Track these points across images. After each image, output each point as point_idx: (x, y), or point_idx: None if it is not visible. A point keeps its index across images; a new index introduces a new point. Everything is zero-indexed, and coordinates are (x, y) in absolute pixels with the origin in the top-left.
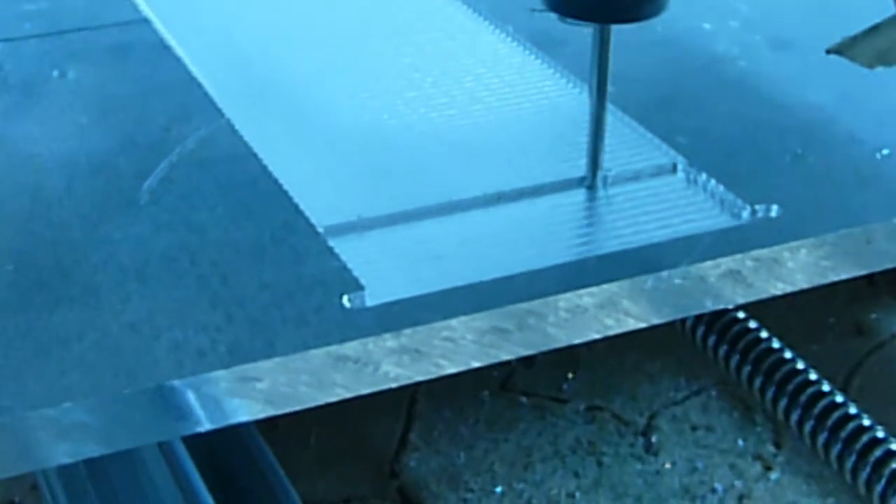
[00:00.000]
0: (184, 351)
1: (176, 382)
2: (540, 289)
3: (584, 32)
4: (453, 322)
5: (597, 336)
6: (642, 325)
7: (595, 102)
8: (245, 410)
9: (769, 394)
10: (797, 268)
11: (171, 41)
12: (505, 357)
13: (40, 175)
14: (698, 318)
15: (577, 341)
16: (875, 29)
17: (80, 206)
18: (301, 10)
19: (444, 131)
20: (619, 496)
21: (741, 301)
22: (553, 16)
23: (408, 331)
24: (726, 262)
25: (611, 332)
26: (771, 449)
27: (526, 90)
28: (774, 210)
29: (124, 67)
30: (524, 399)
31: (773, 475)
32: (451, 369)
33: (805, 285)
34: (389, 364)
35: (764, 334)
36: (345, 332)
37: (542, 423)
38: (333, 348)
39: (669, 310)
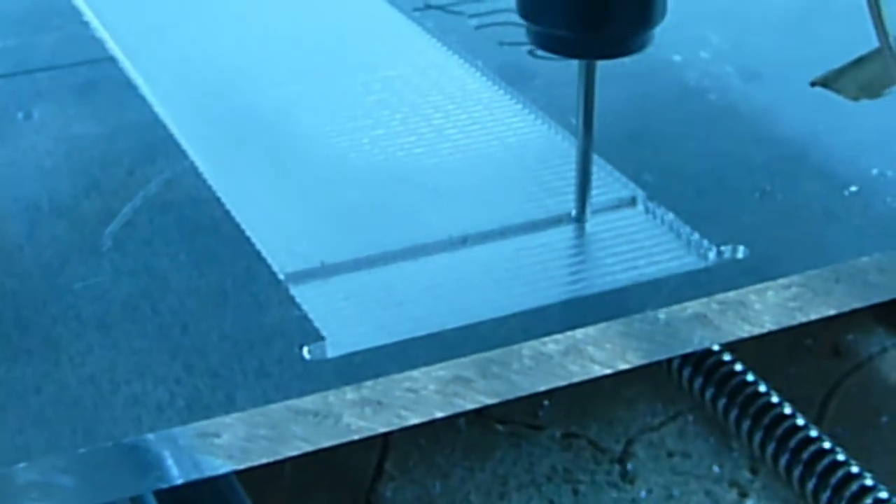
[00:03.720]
0: (142, 405)
1: (134, 440)
2: (504, 337)
3: (552, 66)
4: (415, 373)
5: (562, 383)
6: (608, 371)
7: (582, 136)
8: (206, 466)
9: (745, 426)
10: (764, 309)
11: (138, 80)
12: (469, 406)
13: (2, 222)
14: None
15: (542, 388)
16: (859, 61)
17: (41, 253)
18: (269, 47)
19: (410, 171)
20: None
21: (708, 344)
22: (523, 49)
23: (369, 382)
24: (692, 306)
25: (576, 379)
26: (747, 475)
27: (494, 127)
28: (741, 251)
29: (90, 107)
30: (500, 427)
31: (749, 502)
32: (414, 420)
33: (772, 327)
34: (351, 416)
35: (739, 367)
36: (305, 385)
37: (518, 450)
38: (293, 402)
39: (635, 355)
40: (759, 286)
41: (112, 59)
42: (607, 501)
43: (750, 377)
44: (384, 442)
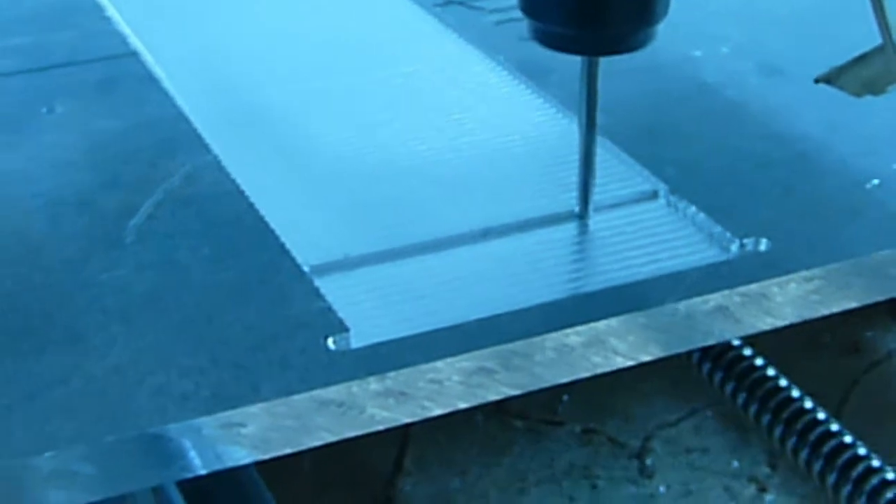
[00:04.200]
0: (167, 395)
1: (159, 430)
2: (526, 328)
3: (572, 61)
4: (439, 364)
5: (585, 374)
6: (630, 363)
7: (584, 134)
8: (231, 456)
9: (765, 421)
10: (786, 302)
11: (159, 74)
12: (492, 398)
13: (26, 216)
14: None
15: (564, 380)
16: (862, 58)
17: (64, 247)
18: (289, 41)
19: (431, 165)
20: None
21: (729, 337)
22: None
23: (392, 373)
24: (714, 298)
25: (598, 371)
26: (766, 470)
27: (514, 122)
28: (763, 244)
29: (112, 102)
30: (519, 422)
31: (768, 497)
32: (438, 411)
33: (794, 319)
34: (374, 407)
35: (759, 361)
36: (329, 375)
37: (537, 446)
38: (317, 392)
39: (657, 347)
40: (780, 279)
41: (133, 55)
42: (625, 497)
43: (770, 371)
44: (403, 438)
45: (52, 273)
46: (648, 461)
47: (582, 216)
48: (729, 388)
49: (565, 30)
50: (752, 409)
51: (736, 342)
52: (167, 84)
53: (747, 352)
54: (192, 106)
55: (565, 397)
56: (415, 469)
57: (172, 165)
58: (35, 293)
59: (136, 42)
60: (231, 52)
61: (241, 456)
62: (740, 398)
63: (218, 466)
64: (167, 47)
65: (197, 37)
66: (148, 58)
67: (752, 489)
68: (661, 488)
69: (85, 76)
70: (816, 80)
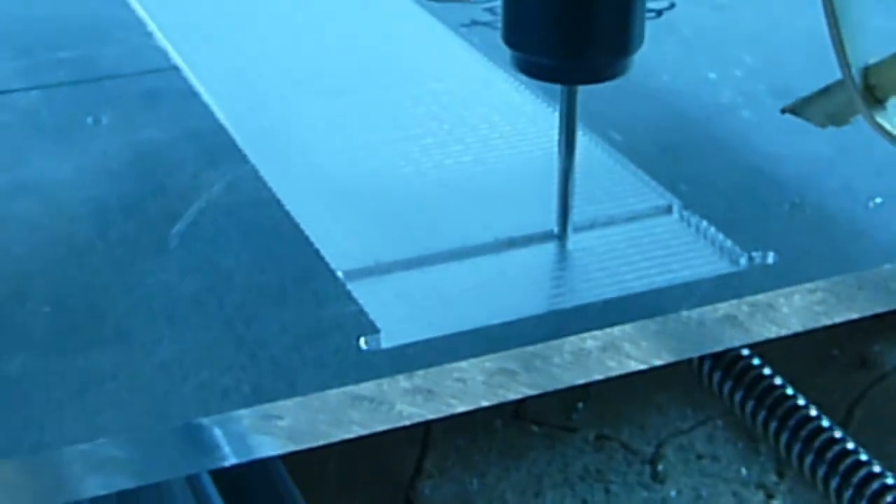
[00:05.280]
0: (210, 390)
1: (202, 420)
2: (546, 332)
3: None
4: (463, 364)
5: (599, 377)
6: (643, 366)
7: (563, 158)
8: (267, 446)
9: (772, 428)
10: (791, 312)
11: (199, 88)
12: (512, 397)
13: (74, 221)
14: (704, 354)
15: (580, 382)
16: (826, 91)
17: (112, 250)
18: (321, 59)
19: (458, 178)
20: None
21: (737, 344)
22: None
23: (420, 372)
24: (723, 308)
25: (613, 374)
26: (773, 478)
27: (537, 137)
28: (771, 257)
29: (155, 114)
30: (535, 428)
31: (775, 503)
32: (462, 408)
33: (799, 329)
34: (403, 403)
35: (767, 371)
36: (361, 373)
37: (553, 451)
38: (350, 388)
39: (669, 353)
40: (786, 290)
41: (175, 69)
42: (638, 501)
43: (778, 381)
44: (424, 441)
45: (100, 275)
46: (660, 467)
47: (560, 238)
48: (738, 396)
49: (543, 59)
50: (760, 416)
51: (745, 352)
52: (207, 98)
53: (756, 362)
54: (231, 119)
55: (580, 405)
56: (435, 471)
57: (213, 175)
58: (84, 294)
59: (176, 57)
60: (266, 69)
61: (277, 447)
62: (748, 406)
63: (255, 456)
64: (206, 62)
65: (234, 53)
66: (188, 72)
67: (760, 496)
68: (673, 493)
69: (129, 89)
70: (783, 111)
